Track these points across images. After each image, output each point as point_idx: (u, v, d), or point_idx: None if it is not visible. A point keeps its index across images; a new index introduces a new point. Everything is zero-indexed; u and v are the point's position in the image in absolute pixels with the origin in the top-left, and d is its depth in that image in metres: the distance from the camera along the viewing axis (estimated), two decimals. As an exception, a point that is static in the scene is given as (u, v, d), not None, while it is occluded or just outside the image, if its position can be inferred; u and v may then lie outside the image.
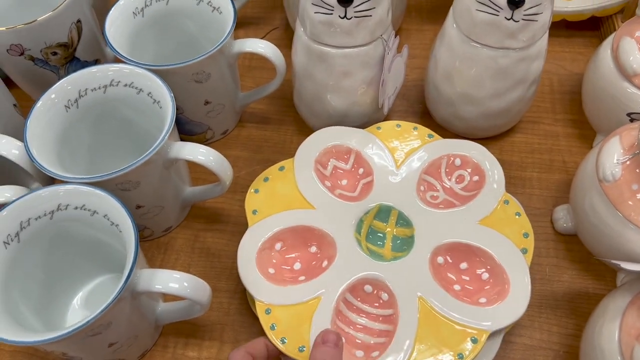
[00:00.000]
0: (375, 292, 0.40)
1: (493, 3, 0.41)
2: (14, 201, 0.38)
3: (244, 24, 0.64)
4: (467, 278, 0.40)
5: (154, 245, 0.48)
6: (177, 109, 0.42)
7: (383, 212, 0.43)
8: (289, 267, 0.41)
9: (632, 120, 0.46)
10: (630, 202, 0.38)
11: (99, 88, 0.45)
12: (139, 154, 0.39)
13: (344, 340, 0.37)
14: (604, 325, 0.36)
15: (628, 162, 0.39)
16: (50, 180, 0.45)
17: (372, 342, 0.38)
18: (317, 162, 0.45)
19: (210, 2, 0.49)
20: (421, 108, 0.55)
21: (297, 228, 0.42)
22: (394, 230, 0.43)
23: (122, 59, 0.45)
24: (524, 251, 0.40)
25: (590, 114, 0.51)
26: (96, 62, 0.53)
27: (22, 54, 0.48)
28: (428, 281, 0.39)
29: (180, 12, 0.51)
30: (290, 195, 0.44)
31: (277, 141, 0.54)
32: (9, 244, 0.37)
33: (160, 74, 0.44)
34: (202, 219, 0.50)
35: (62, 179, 0.39)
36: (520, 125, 0.53)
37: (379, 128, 0.47)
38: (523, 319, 0.41)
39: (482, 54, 0.45)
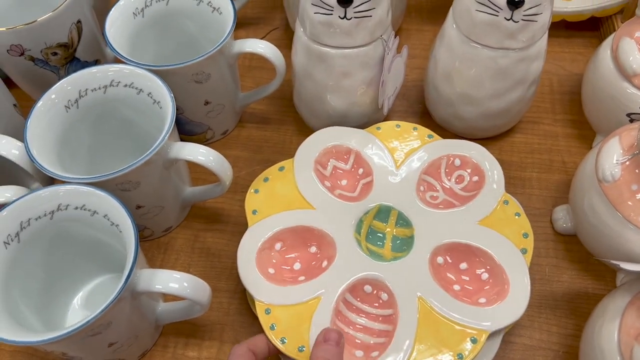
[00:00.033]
0: (375, 292, 0.40)
1: (493, 3, 0.41)
2: (14, 201, 0.38)
3: (244, 24, 0.64)
4: (467, 278, 0.40)
5: (154, 245, 0.48)
6: (177, 109, 0.42)
7: (383, 213, 0.43)
8: (289, 267, 0.41)
9: (631, 121, 0.46)
10: (629, 203, 0.38)
11: (99, 88, 0.45)
12: (139, 154, 0.39)
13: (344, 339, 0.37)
14: (604, 325, 0.36)
15: (627, 163, 0.39)
16: (50, 181, 0.45)
17: (371, 342, 0.38)
18: (317, 162, 0.45)
19: (210, 2, 0.49)
20: (421, 108, 0.55)
21: (296, 228, 0.42)
22: (394, 230, 0.43)
23: (122, 60, 0.45)
24: (524, 251, 0.40)
25: (590, 114, 0.51)
26: (96, 62, 0.53)
27: (22, 54, 0.48)
28: (428, 281, 0.39)
29: (180, 12, 0.51)
30: (290, 196, 0.44)
31: (277, 141, 0.54)
32: (9, 244, 0.37)
33: (161, 74, 0.44)
34: (202, 219, 0.50)
35: (62, 179, 0.39)
36: (520, 125, 0.53)
37: (378, 128, 0.47)
38: (523, 319, 0.41)
39: (481, 54, 0.45)
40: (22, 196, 0.38)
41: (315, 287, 0.39)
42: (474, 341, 0.37)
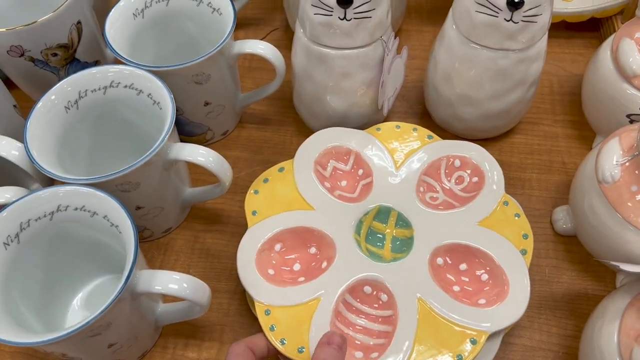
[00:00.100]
0: (374, 293, 0.40)
1: (492, 4, 0.41)
2: (13, 202, 0.38)
3: (243, 25, 0.64)
4: (467, 279, 0.40)
5: (153, 246, 0.48)
6: (177, 110, 0.42)
7: (382, 213, 0.43)
8: (289, 268, 0.41)
9: (631, 122, 0.46)
10: (629, 204, 0.38)
11: (99, 89, 0.45)
12: (139, 155, 0.39)
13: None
14: (603, 326, 0.36)
15: (627, 164, 0.39)
16: (50, 181, 0.45)
17: (371, 343, 0.38)
18: (316, 163, 0.45)
19: (210, 3, 0.49)
20: (421, 109, 0.55)
21: (296, 229, 0.42)
22: (394, 231, 0.43)
23: (122, 60, 0.45)
24: (524, 252, 0.40)
25: (590, 115, 0.51)
26: (96, 63, 0.53)
27: (22, 55, 0.48)
28: (427, 282, 0.39)
29: (180, 13, 0.51)
30: (290, 196, 0.44)
31: (276, 142, 0.54)
32: (8, 245, 0.37)
33: (160, 75, 0.44)
34: (202, 220, 0.50)
35: (62, 180, 0.39)
36: (520, 126, 0.53)
37: (378, 129, 0.47)
38: (522, 320, 0.41)
39: (481, 55, 0.45)
40: (22, 197, 0.38)
41: (315, 288, 0.39)
42: (473, 342, 0.37)
